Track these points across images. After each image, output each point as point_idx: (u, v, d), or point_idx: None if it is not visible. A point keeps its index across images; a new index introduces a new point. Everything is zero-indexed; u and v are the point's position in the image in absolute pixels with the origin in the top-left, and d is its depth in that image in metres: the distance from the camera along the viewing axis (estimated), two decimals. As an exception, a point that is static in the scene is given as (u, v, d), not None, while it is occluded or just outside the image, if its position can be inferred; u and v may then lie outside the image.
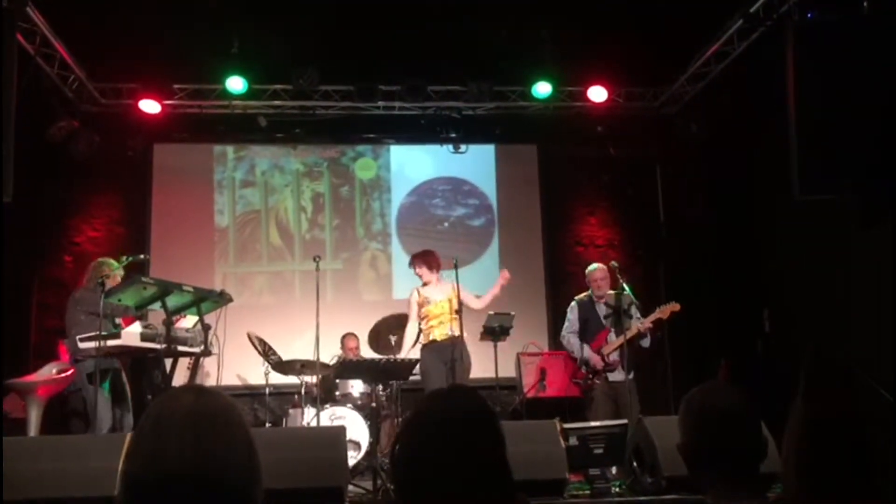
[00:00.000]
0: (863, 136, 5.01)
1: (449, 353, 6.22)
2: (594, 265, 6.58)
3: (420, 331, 6.56)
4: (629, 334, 6.10)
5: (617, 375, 6.18)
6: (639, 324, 6.18)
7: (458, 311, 6.28)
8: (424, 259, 6.59)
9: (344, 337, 7.63)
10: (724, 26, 7.28)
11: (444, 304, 6.43)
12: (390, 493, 4.76)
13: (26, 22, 6.55)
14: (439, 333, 6.40)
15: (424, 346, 6.46)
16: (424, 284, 6.59)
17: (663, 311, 6.19)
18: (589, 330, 6.39)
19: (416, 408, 1.75)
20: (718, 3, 7.09)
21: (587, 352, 6.34)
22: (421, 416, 1.71)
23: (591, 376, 6.26)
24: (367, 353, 7.41)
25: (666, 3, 6.95)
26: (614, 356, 6.19)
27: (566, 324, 6.56)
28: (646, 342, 6.27)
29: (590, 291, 6.54)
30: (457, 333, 6.30)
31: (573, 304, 6.56)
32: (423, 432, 1.66)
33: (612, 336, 6.25)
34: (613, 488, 4.78)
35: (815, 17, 5.58)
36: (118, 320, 5.84)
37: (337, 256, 8.92)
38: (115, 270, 6.00)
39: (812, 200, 5.56)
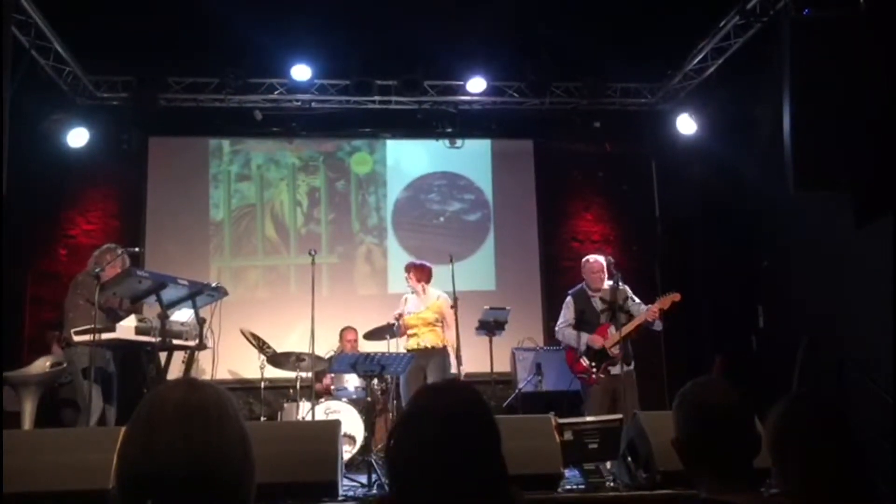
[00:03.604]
0: (858, 132, 5.01)
1: (425, 360, 6.50)
2: (591, 257, 6.56)
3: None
4: (634, 324, 6.11)
5: (617, 369, 6.18)
6: (644, 312, 6.17)
7: (449, 322, 6.53)
8: (413, 270, 6.79)
9: (343, 330, 7.64)
10: (721, 22, 7.27)
11: (419, 315, 6.65)
12: (385, 488, 4.76)
13: (21, 14, 6.52)
14: (413, 343, 6.65)
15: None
16: (413, 292, 6.79)
17: (664, 301, 6.17)
18: (586, 323, 6.39)
19: (411, 402, 1.76)
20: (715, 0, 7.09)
21: (585, 337, 6.29)
22: (416, 411, 1.71)
23: (594, 368, 6.23)
24: (364, 347, 7.40)
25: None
26: (616, 349, 6.18)
27: (561, 318, 6.55)
28: (657, 325, 6.26)
29: (583, 284, 6.53)
30: (430, 345, 6.56)
31: (568, 298, 6.55)
32: (419, 426, 1.66)
33: (612, 330, 6.23)
34: (608, 483, 4.78)
35: (811, 14, 5.57)
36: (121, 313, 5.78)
37: (332, 250, 8.91)
38: (118, 256, 5.95)
39: (808, 196, 5.57)
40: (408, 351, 6.59)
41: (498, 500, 1.63)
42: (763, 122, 6.97)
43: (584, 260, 6.60)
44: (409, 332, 6.68)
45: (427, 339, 6.59)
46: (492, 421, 1.70)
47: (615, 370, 6.18)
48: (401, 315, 6.70)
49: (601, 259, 6.45)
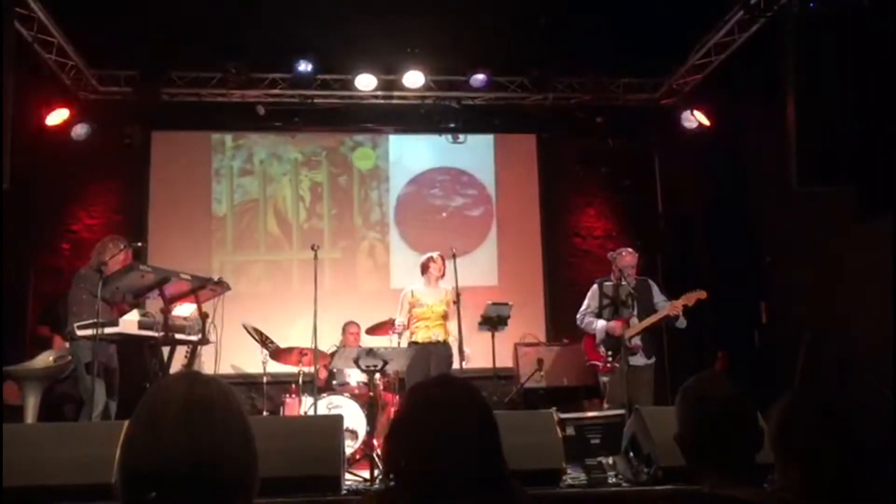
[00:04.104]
0: (861, 128, 5.01)
1: (430, 353, 6.53)
2: (625, 250, 6.47)
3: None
4: (657, 317, 6.08)
5: (637, 360, 6.16)
6: (668, 307, 6.10)
7: (456, 307, 6.43)
8: (442, 263, 6.74)
9: (345, 325, 7.64)
10: (725, 17, 7.26)
11: (433, 308, 6.67)
12: (387, 482, 4.77)
13: (24, 8, 6.52)
14: (422, 336, 6.66)
15: (409, 345, 6.67)
16: (426, 279, 6.76)
17: (689, 298, 6.07)
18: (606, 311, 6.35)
19: (407, 397, 1.77)
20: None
21: (602, 322, 6.25)
22: (413, 406, 1.72)
23: (610, 358, 6.16)
24: (366, 342, 7.41)
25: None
26: (636, 340, 6.15)
27: (584, 305, 6.50)
28: (681, 323, 6.16)
29: (611, 274, 6.50)
30: (441, 339, 6.62)
31: (594, 286, 6.50)
32: (416, 422, 1.67)
33: (634, 320, 6.20)
34: (610, 478, 4.78)
35: (815, 9, 5.56)
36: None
37: (335, 246, 8.91)
38: (122, 250, 5.91)
39: (810, 192, 5.56)
40: (414, 343, 6.61)
41: (498, 493, 1.63)
42: (767, 118, 6.96)
43: (618, 251, 6.56)
44: (418, 323, 6.68)
45: (436, 332, 6.64)
46: (489, 415, 1.70)
47: (635, 361, 6.15)
48: (404, 327, 6.71)
49: (635, 256, 6.41)
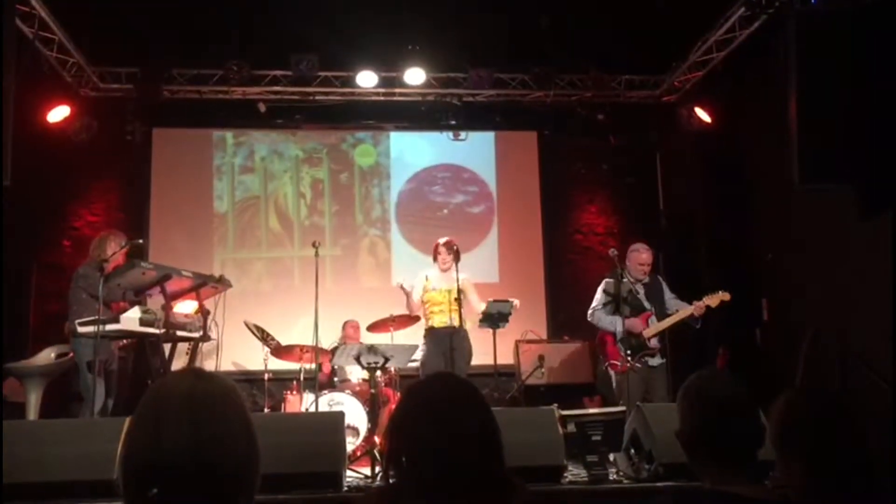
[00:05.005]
0: (863, 125, 5.00)
1: (447, 341, 6.35)
2: (640, 246, 6.44)
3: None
4: (678, 317, 6.05)
5: (654, 360, 6.12)
6: (692, 307, 6.06)
7: (458, 301, 6.35)
8: (454, 249, 6.56)
9: (345, 322, 7.65)
10: (726, 14, 7.25)
11: (446, 293, 6.53)
12: (387, 479, 4.77)
13: (25, 5, 6.52)
14: (438, 321, 6.55)
15: (425, 334, 6.61)
16: (443, 269, 6.61)
17: (713, 299, 6.03)
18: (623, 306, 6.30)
19: (407, 395, 1.78)
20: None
21: (622, 324, 6.08)
22: (410, 405, 1.73)
23: (629, 357, 6.04)
24: (367, 339, 7.41)
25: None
26: (654, 342, 6.12)
27: (594, 301, 6.39)
28: (698, 324, 6.15)
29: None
30: (456, 324, 6.41)
31: (605, 282, 6.41)
32: (414, 420, 1.68)
33: (653, 319, 6.18)
34: (611, 475, 4.79)
35: (817, 6, 5.55)
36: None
37: (336, 243, 8.92)
38: (121, 246, 5.87)
39: (812, 190, 5.56)
40: (431, 329, 6.54)
41: (498, 490, 1.64)
42: (768, 115, 6.95)
43: (633, 247, 6.48)
44: (433, 308, 6.57)
45: (453, 316, 6.43)
46: (489, 413, 1.71)
47: (653, 361, 6.14)
48: (409, 291, 6.58)
49: (651, 253, 6.36)
